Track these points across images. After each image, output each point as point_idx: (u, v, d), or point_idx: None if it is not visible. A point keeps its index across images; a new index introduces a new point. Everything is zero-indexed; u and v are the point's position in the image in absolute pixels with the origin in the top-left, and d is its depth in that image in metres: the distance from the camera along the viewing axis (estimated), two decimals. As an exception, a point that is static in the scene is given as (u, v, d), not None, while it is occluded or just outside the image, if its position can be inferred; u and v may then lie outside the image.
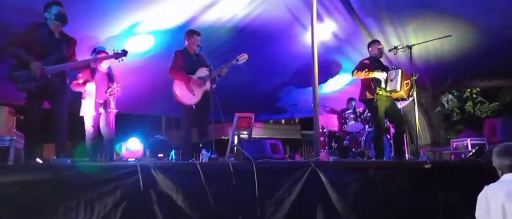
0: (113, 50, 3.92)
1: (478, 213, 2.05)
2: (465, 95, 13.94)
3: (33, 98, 3.41)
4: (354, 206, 3.17)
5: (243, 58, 4.48)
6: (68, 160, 3.08)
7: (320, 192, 3.14)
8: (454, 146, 5.86)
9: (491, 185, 2.04)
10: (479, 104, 13.85)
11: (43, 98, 3.51)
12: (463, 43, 6.06)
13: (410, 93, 4.72)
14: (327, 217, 3.08)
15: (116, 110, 4.38)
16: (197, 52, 4.44)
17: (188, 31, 4.52)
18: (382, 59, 5.13)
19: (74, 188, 2.48)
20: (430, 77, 7.63)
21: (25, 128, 3.57)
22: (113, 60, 4.34)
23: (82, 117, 4.49)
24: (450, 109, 13.72)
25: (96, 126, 4.44)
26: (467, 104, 14.03)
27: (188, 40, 4.43)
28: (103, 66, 4.55)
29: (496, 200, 1.93)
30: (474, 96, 13.58)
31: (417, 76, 4.77)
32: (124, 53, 3.90)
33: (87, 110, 4.42)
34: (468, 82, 7.92)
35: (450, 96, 12.74)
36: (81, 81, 4.46)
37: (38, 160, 3.72)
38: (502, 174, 2.09)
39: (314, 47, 4.70)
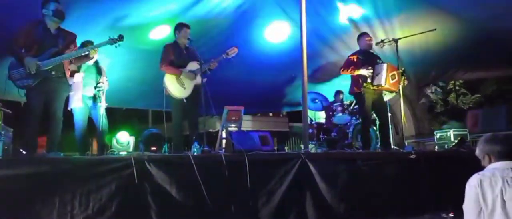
0: (109, 37, 3.81)
1: (467, 202, 1.96)
2: (448, 87, 14.24)
3: (32, 94, 3.46)
4: (342, 196, 3.28)
5: (233, 51, 4.50)
6: (62, 154, 3.10)
7: (310, 183, 3.23)
8: (437, 137, 6.05)
9: (484, 172, 1.96)
10: (462, 95, 14.18)
11: (44, 94, 3.54)
12: (447, 36, 6.22)
13: (400, 86, 4.84)
14: (317, 207, 3.18)
15: (106, 104, 4.37)
16: (187, 45, 4.44)
17: (178, 24, 4.50)
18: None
19: (70, 182, 2.50)
20: (415, 69, 7.81)
21: (25, 123, 3.57)
22: (99, 54, 4.35)
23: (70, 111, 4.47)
24: (434, 100, 14.00)
25: (86, 120, 4.42)
26: (450, 96, 14.34)
27: (178, 33, 4.42)
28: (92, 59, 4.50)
29: (493, 188, 1.87)
30: (457, 88, 13.88)
31: (403, 69, 4.89)
32: (120, 37, 3.78)
33: (76, 103, 4.38)
34: (451, 74, 8.13)
35: (434, 88, 12.99)
36: (68, 72, 4.40)
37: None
38: (489, 162, 2.01)
39: (303, 40, 4.74)
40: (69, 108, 4.40)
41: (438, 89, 13.55)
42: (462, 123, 7.14)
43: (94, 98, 4.41)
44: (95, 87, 4.35)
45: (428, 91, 12.17)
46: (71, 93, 4.42)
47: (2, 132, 3.68)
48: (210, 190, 2.88)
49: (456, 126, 5.94)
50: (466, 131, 5.85)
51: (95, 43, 4.29)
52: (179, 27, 4.44)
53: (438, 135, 6.05)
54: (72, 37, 3.72)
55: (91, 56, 3.77)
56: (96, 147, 4.53)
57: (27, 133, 3.50)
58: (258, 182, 3.07)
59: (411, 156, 3.65)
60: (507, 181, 1.86)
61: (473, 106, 13.41)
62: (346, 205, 3.26)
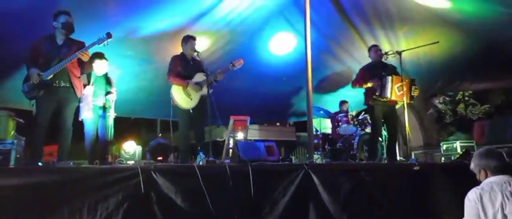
0: (98, 37, 3.76)
1: (467, 216, 1.99)
2: (457, 97, 14.15)
3: (41, 104, 3.59)
4: (345, 207, 3.30)
5: (239, 63, 4.56)
6: (71, 163, 3.19)
7: (313, 193, 3.27)
8: (444, 148, 6.03)
9: (482, 187, 2.00)
10: (471, 106, 14.07)
11: (52, 104, 3.66)
12: (451, 47, 6.24)
13: (411, 95, 4.85)
14: (320, 217, 3.20)
15: (115, 114, 4.48)
16: (194, 57, 4.54)
17: (185, 36, 4.60)
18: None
19: (78, 190, 2.58)
20: (421, 80, 7.81)
21: (32, 132, 3.69)
22: (109, 65, 4.48)
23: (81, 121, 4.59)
24: (443, 111, 13.91)
25: (95, 130, 4.52)
26: (459, 106, 14.24)
27: (185, 45, 4.52)
28: (99, 70, 4.60)
29: (493, 202, 1.90)
30: (466, 98, 13.79)
31: (413, 79, 4.91)
32: (108, 35, 3.71)
33: (86, 114, 4.50)
34: (457, 85, 8.11)
35: (442, 98, 12.93)
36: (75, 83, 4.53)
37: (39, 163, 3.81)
38: (485, 176, 2.07)
39: (308, 51, 4.81)
40: (80, 119, 4.53)
41: (447, 99, 13.45)
42: (469, 134, 7.10)
43: (104, 108, 4.53)
44: (105, 95, 4.46)
45: (436, 101, 12.13)
46: (81, 104, 4.55)
47: (15, 141, 3.80)
48: (215, 200, 2.93)
49: (462, 137, 5.90)
50: (472, 142, 5.82)
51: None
52: (186, 39, 4.54)
53: (444, 147, 6.04)
54: (77, 46, 3.76)
55: (85, 59, 3.73)
56: (100, 155, 4.61)
57: (33, 143, 3.63)
58: (262, 192, 3.11)
59: (415, 168, 3.66)
60: (506, 195, 1.90)
61: (483, 116, 13.29)
62: (349, 216, 3.27)
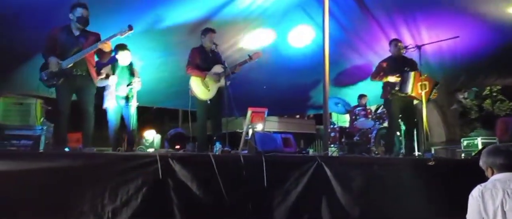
0: (120, 28, 3.89)
1: (470, 213, 2.02)
2: (484, 93, 13.72)
3: (61, 92, 3.75)
4: (358, 200, 3.35)
5: (257, 56, 4.62)
6: (95, 149, 3.38)
7: (325, 185, 3.33)
8: (464, 144, 5.92)
9: (486, 184, 2.02)
10: (499, 102, 13.61)
11: (71, 91, 3.84)
12: (476, 41, 6.09)
13: (431, 96, 4.80)
14: (332, 209, 3.26)
15: (137, 103, 4.66)
16: (212, 49, 4.63)
17: (204, 29, 4.70)
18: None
19: (101, 175, 2.74)
20: (444, 74, 7.64)
21: (55, 119, 3.89)
22: (132, 57, 4.64)
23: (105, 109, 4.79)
24: (468, 106, 13.51)
25: (117, 118, 4.72)
26: (485, 102, 13.81)
27: (204, 38, 4.61)
28: (123, 60, 4.79)
29: (494, 199, 1.92)
30: (494, 94, 13.34)
31: (433, 81, 4.84)
32: (130, 28, 3.85)
33: (109, 103, 4.70)
34: (482, 79, 7.89)
35: (467, 93, 12.56)
36: (103, 75, 4.72)
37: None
38: (492, 174, 2.09)
39: (325, 43, 4.81)
40: (103, 107, 4.73)
41: (472, 95, 13.07)
42: (493, 130, 6.91)
43: (127, 98, 4.71)
44: (128, 85, 4.64)
45: (461, 96, 11.79)
46: (105, 93, 4.75)
47: (44, 127, 4.05)
48: (229, 188, 3.04)
49: (484, 134, 5.77)
50: (495, 139, 5.68)
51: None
52: (205, 31, 4.64)
53: (465, 143, 5.92)
54: (94, 37, 3.90)
55: (106, 50, 3.86)
56: (126, 143, 4.83)
57: (56, 129, 3.83)
58: (275, 182, 3.19)
59: (430, 163, 3.65)
60: (507, 193, 1.91)
61: (511, 113, 12.85)
62: (361, 209, 3.32)
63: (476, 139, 5.63)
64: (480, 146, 5.45)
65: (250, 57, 4.58)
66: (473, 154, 5.33)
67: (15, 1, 4.20)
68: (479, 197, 1.97)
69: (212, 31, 4.62)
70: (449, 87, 8.99)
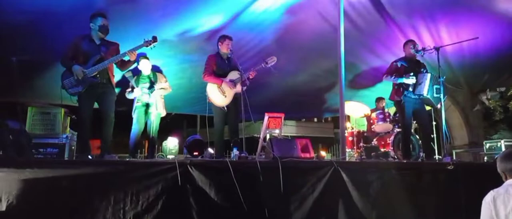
0: (144, 39, 4.02)
1: (482, 218, 2.05)
2: (509, 93, 13.30)
3: (83, 100, 3.82)
4: (374, 205, 3.33)
5: (272, 60, 4.66)
6: (116, 157, 3.49)
7: (342, 190, 3.33)
8: (487, 147, 5.78)
9: (498, 189, 2.04)
10: (524, 103, 13.17)
11: (93, 99, 3.92)
12: (498, 39, 5.93)
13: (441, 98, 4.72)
14: (348, 214, 3.26)
15: (158, 111, 4.79)
16: (229, 56, 4.71)
17: (221, 36, 4.77)
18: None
19: (123, 181, 2.85)
20: (466, 75, 7.48)
21: (78, 127, 4.02)
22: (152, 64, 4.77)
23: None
24: (492, 107, 13.14)
25: (142, 125, 4.86)
26: (510, 103, 13.38)
27: (221, 45, 4.70)
28: (145, 69, 4.95)
29: (505, 204, 1.94)
30: (521, 95, 12.92)
31: (444, 78, 4.76)
32: (154, 39, 3.99)
33: (135, 111, 4.86)
34: (506, 78, 7.67)
35: (491, 94, 12.21)
36: (130, 88, 4.93)
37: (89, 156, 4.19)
38: (506, 179, 2.11)
39: (341, 46, 4.79)
40: (133, 115, 4.87)
41: (495, 94, 12.69)
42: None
43: (147, 105, 4.86)
44: (149, 88, 4.79)
45: (484, 97, 11.49)
46: (134, 104, 4.90)
47: (69, 136, 4.23)
48: (246, 193, 3.08)
49: (508, 136, 5.62)
50: (519, 141, 5.53)
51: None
52: (222, 38, 4.71)
53: (487, 145, 5.78)
54: (114, 46, 4.04)
55: (132, 59, 3.98)
56: (147, 149, 4.97)
57: (80, 137, 3.89)
58: (291, 187, 3.22)
59: (449, 167, 3.59)
60: None
61: (537, 113, 12.41)
62: (377, 214, 3.30)
63: (499, 141, 5.48)
64: (503, 149, 5.32)
65: (266, 62, 4.63)
66: (495, 157, 5.20)
67: (31, 8, 4.28)
68: (491, 202, 1.99)
69: (228, 38, 4.69)
70: (471, 88, 8.79)
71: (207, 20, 5.27)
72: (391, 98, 5.04)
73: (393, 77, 4.79)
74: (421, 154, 5.35)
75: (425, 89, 4.56)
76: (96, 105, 4.02)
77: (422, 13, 5.69)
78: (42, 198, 2.67)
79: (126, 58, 3.95)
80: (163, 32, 5.18)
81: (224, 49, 4.67)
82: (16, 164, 2.68)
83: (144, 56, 4.91)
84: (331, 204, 3.29)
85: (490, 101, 12.73)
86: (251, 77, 4.57)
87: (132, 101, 4.95)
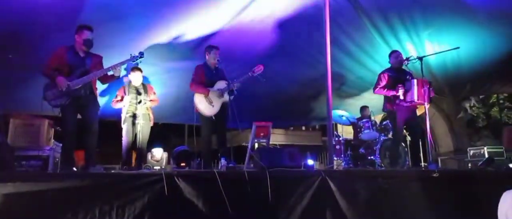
0: (130, 54, 4.03)
1: (499, 216, 1.97)
2: (491, 101, 13.63)
3: (66, 112, 3.74)
4: (363, 214, 3.34)
5: (259, 69, 4.68)
6: (102, 169, 3.43)
7: (330, 200, 3.33)
8: (470, 153, 5.89)
9: (509, 191, 1.98)
10: (506, 109, 13.51)
11: (76, 111, 3.85)
12: (480, 49, 6.10)
13: (430, 97, 4.83)
14: (337, 223, 3.27)
15: (145, 122, 4.75)
16: (216, 66, 4.71)
17: (208, 46, 4.78)
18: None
19: (108, 194, 2.79)
20: (449, 83, 7.64)
21: (62, 139, 3.95)
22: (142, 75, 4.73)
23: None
24: (475, 114, 13.43)
25: (130, 136, 4.81)
26: (493, 110, 13.71)
27: (208, 55, 4.70)
28: (135, 81, 4.92)
29: None
30: (501, 101, 13.26)
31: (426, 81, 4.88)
32: (141, 54, 4.00)
33: (124, 121, 4.82)
34: (488, 87, 7.86)
35: (474, 102, 12.49)
36: (119, 97, 4.89)
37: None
38: None
39: (327, 54, 4.84)
40: (122, 126, 4.81)
41: (476, 104, 13.00)
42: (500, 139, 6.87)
43: (134, 116, 4.81)
44: (138, 103, 4.75)
45: (467, 105, 11.75)
46: (122, 113, 4.85)
47: (53, 147, 4.14)
48: (234, 204, 3.05)
49: (491, 143, 5.74)
50: (501, 148, 5.65)
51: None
52: (209, 49, 4.72)
53: (471, 152, 5.89)
54: (98, 59, 4.01)
55: (116, 74, 3.96)
56: (135, 160, 4.91)
57: (64, 149, 3.83)
58: (279, 197, 3.21)
59: (435, 175, 3.65)
60: None
61: (518, 120, 12.73)
62: (365, 222, 3.32)
63: (482, 148, 5.59)
64: (486, 156, 5.42)
65: (253, 71, 4.64)
66: (479, 164, 5.31)
67: (16, 19, 4.23)
68: (504, 202, 1.95)
69: (216, 48, 4.70)
70: (455, 96, 8.98)
71: (194, 29, 5.28)
72: (384, 108, 5.13)
73: (385, 90, 4.89)
74: (407, 162, 5.43)
75: (414, 95, 4.66)
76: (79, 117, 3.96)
77: (405, 23, 5.83)
78: (25, 212, 2.60)
79: (110, 73, 3.90)
80: (149, 39, 5.17)
81: (212, 59, 4.67)
82: (-3, 178, 2.60)
83: (136, 67, 4.88)
84: (319, 214, 3.29)
85: (473, 109, 13.03)
86: (235, 87, 4.54)
87: (120, 110, 4.90)
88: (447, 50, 5.13)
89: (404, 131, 5.52)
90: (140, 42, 5.14)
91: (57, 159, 4.24)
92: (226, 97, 4.56)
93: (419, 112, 5.49)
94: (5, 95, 5.26)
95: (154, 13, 4.73)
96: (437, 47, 5.92)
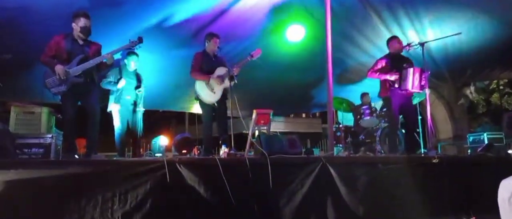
0: (129, 39, 3.97)
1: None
2: (491, 87, 13.61)
3: (67, 99, 3.74)
4: (362, 199, 3.37)
5: (257, 53, 4.63)
6: (103, 156, 3.45)
7: (330, 186, 3.35)
8: (470, 140, 5.91)
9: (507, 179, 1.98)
10: (506, 95, 13.51)
11: (76, 98, 3.84)
12: (480, 34, 6.07)
13: (422, 84, 4.80)
14: (337, 209, 3.29)
15: (143, 109, 4.74)
16: (216, 53, 4.68)
17: (208, 33, 4.73)
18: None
19: (111, 181, 2.81)
20: (450, 69, 7.62)
21: (63, 127, 3.96)
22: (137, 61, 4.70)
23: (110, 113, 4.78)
24: (476, 101, 13.43)
25: (125, 123, 4.80)
26: (493, 96, 13.70)
27: (208, 42, 4.66)
28: (131, 65, 4.89)
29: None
30: (501, 87, 13.25)
31: (428, 72, 4.86)
32: (140, 40, 3.93)
33: (115, 106, 4.73)
34: (488, 72, 7.84)
35: (473, 88, 12.47)
36: (111, 79, 4.80)
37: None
38: None
39: (328, 41, 4.81)
40: (108, 111, 4.79)
41: (478, 90, 12.98)
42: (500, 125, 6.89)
43: (134, 103, 4.80)
44: (136, 88, 4.72)
45: (467, 91, 11.74)
46: (111, 96, 4.81)
47: (55, 135, 4.15)
48: (235, 190, 3.08)
49: (491, 129, 5.75)
50: (501, 134, 5.67)
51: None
52: (209, 36, 4.67)
53: (471, 138, 5.91)
54: (96, 46, 3.97)
55: (109, 62, 3.90)
56: (133, 147, 4.92)
57: (65, 136, 3.83)
58: (280, 183, 3.23)
59: (434, 161, 3.66)
60: None
61: (518, 106, 12.74)
62: (365, 208, 3.35)
63: (483, 134, 5.61)
64: (486, 142, 5.44)
65: (251, 55, 4.61)
66: (478, 150, 5.33)
67: (13, 5, 4.17)
68: (504, 189, 1.95)
69: (216, 36, 4.66)
70: (455, 82, 8.97)
71: (190, 16, 5.22)
72: (379, 94, 5.12)
73: (378, 73, 4.86)
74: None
75: (409, 84, 4.64)
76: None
77: (406, 8, 5.78)
78: (28, 199, 2.61)
79: (105, 60, 3.87)
80: (145, 23, 5.10)
81: (211, 46, 4.63)
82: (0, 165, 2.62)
83: (133, 52, 4.81)
84: (319, 200, 3.32)
85: (473, 95, 13.03)
86: (235, 73, 4.49)
87: (107, 92, 4.79)
88: (448, 36, 5.09)
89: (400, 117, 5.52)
90: (137, 29, 5.10)
91: (59, 147, 4.25)
92: (226, 83, 4.54)
93: (415, 101, 5.49)
94: (6, 84, 5.25)
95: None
96: (439, 33, 5.88)
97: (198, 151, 5.41)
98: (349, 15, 5.99)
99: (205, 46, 4.72)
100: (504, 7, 5.30)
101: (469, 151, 5.83)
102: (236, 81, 4.45)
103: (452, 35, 5.10)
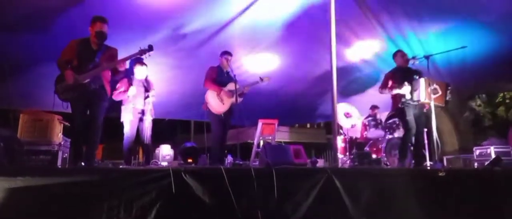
0: (140, 47, 3.92)
1: None
2: (497, 100, 13.51)
3: (76, 105, 3.71)
4: (367, 212, 3.35)
5: (266, 79, 5.08)
6: (110, 164, 3.47)
7: (335, 197, 3.34)
8: (477, 153, 5.87)
9: None
10: (512, 108, 13.38)
11: (85, 105, 3.77)
12: (484, 47, 6.08)
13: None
14: (342, 220, 3.29)
15: (153, 117, 4.79)
16: (228, 70, 4.92)
17: (223, 51, 4.98)
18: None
19: (117, 189, 2.82)
20: (454, 82, 7.59)
21: (71, 133, 3.98)
22: (148, 70, 4.75)
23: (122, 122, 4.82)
24: (482, 114, 13.33)
25: (134, 131, 4.83)
26: (499, 109, 13.59)
27: (221, 59, 4.92)
28: (139, 74, 4.94)
29: None
30: (507, 100, 13.14)
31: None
32: (150, 48, 3.87)
33: (127, 116, 4.79)
34: (493, 84, 7.81)
35: (479, 101, 12.39)
36: (122, 89, 4.85)
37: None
38: None
39: (332, 53, 4.83)
40: (121, 121, 4.83)
41: (482, 103, 12.87)
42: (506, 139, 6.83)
43: (142, 112, 4.84)
44: (146, 98, 4.78)
45: (473, 104, 11.67)
46: (122, 107, 4.85)
47: (62, 143, 4.19)
48: (240, 200, 3.07)
49: (497, 142, 5.71)
50: (508, 148, 5.62)
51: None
52: (224, 54, 4.93)
53: (477, 152, 5.86)
54: (112, 52, 3.91)
55: (120, 69, 3.86)
56: (142, 155, 4.94)
57: (73, 143, 3.82)
58: (285, 194, 3.23)
59: (440, 174, 3.64)
60: None
61: (525, 120, 12.61)
62: (371, 220, 3.33)
63: (489, 148, 5.56)
64: (493, 155, 5.40)
65: (261, 79, 5.01)
66: (485, 164, 5.28)
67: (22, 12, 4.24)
68: None
69: (230, 54, 4.94)
70: (460, 95, 8.93)
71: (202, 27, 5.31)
72: (392, 108, 5.11)
73: (387, 90, 4.87)
74: (412, 160, 5.41)
75: (421, 94, 4.63)
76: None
77: (411, 21, 5.81)
78: (34, 206, 2.63)
79: (121, 69, 3.87)
80: (155, 37, 5.19)
81: (225, 63, 4.89)
82: (7, 172, 2.64)
83: (141, 61, 4.88)
84: (325, 211, 3.30)
85: (479, 107, 12.94)
86: (245, 91, 4.85)
87: (118, 102, 4.82)
88: (454, 49, 5.09)
89: None
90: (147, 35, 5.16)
91: (66, 154, 4.28)
92: (235, 99, 4.78)
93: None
94: (16, 91, 5.33)
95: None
96: (443, 44, 5.89)
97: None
98: (354, 26, 6.01)
99: (219, 62, 4.97)
100: (508, 22, 5.30)
101: (475, 164, 5.77)
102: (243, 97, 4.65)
103: (457, 48, 5.10)
